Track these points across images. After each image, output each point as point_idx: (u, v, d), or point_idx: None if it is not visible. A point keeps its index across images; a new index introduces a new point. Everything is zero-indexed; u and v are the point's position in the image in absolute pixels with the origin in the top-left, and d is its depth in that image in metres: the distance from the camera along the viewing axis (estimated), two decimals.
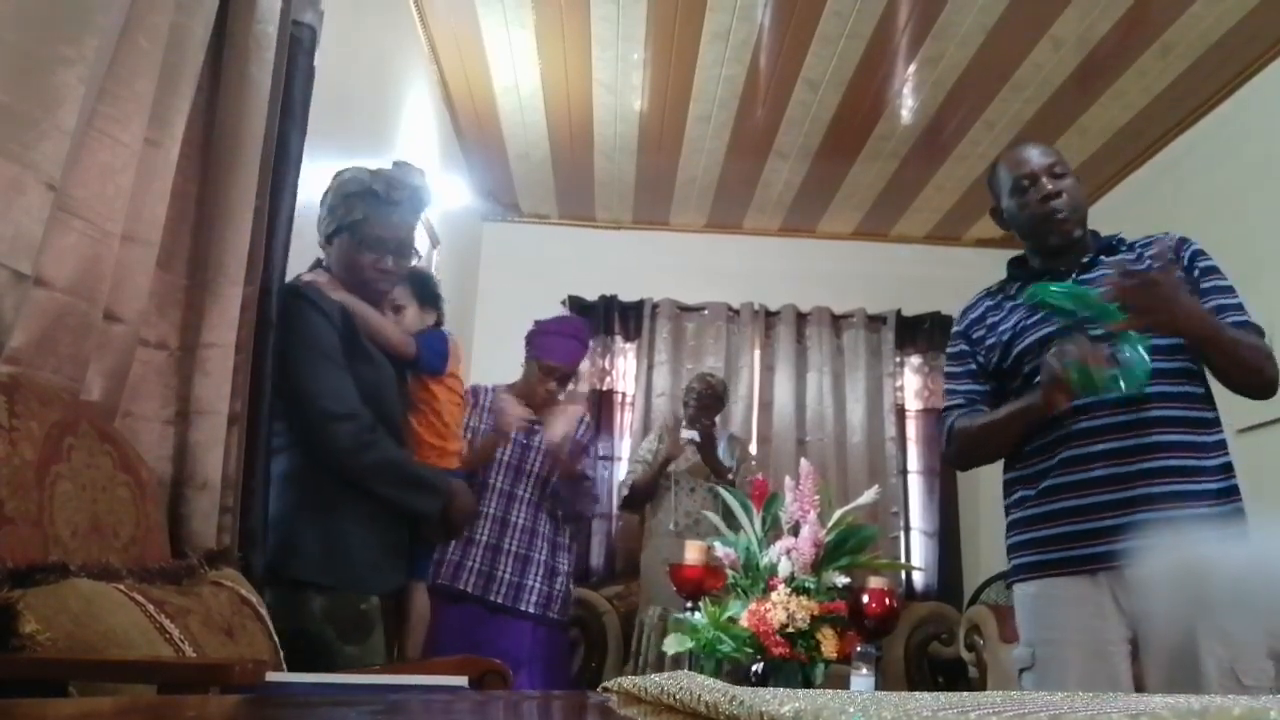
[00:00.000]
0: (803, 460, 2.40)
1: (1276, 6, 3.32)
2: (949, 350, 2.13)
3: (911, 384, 5.39)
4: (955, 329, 2.14)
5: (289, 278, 2.15)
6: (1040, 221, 1.97)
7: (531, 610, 3.06)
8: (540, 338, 3.26)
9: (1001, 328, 2.01)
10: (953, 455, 2.08)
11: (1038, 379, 1.85)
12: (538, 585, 3.09)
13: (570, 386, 3.43)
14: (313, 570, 1.90)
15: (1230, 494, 1.81)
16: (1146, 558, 1.64)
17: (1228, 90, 3.83)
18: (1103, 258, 1.97)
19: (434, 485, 2.11)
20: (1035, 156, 2.01)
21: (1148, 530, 1.68)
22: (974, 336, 2.07)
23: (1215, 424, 1.86)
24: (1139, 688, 1.77)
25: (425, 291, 2.40)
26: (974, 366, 2.05)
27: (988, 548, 5.11)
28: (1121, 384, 1.68)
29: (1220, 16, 3.40)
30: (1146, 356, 1.70)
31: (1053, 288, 1.80)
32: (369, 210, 2.04)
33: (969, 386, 2.05)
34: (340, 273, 2.08)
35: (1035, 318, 1.94)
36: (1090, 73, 3.79)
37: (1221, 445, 1.84)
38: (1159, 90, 3.89)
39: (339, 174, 2.13)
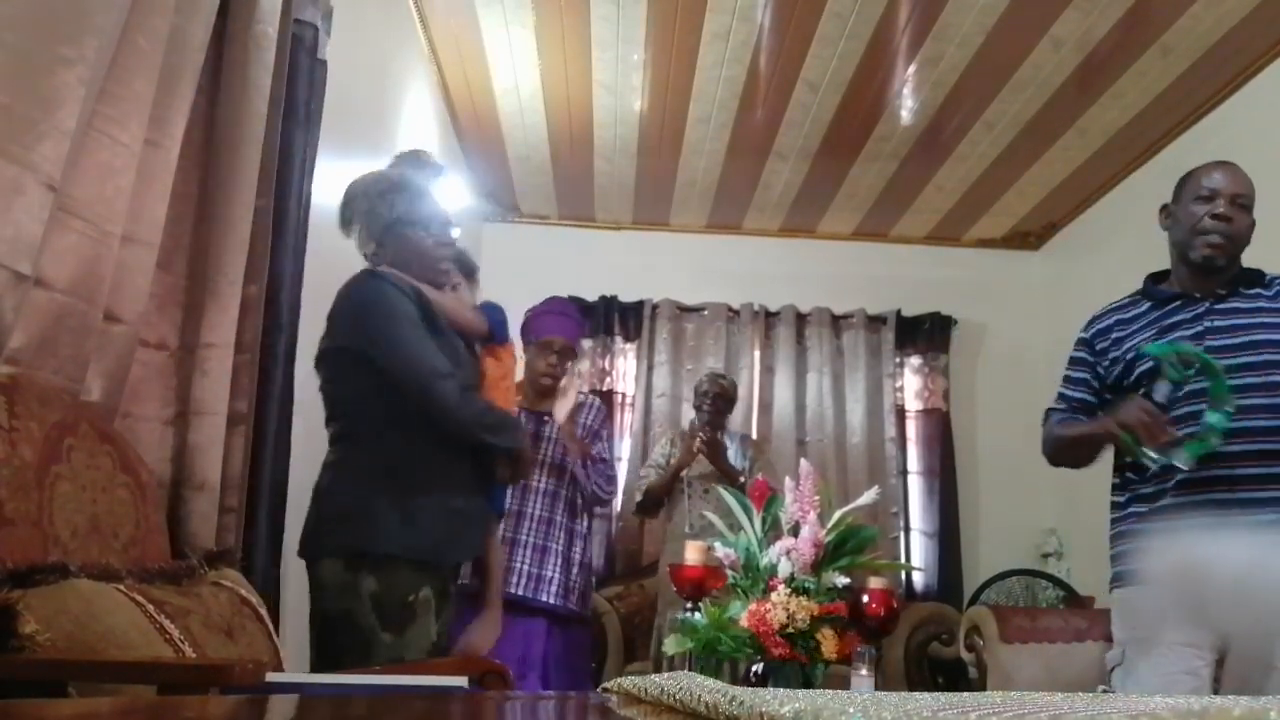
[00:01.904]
0: (802, 461, 2.39)
1: (1276, 8, 3.32)
2: (1072, 354, 2.21)
3: (911, 384, 5.38)
4: (1081, 335, 2.20)
5: (308, 276, 2.18)
6: (1196, 234, 2.03)
7: (551, 600, 3.03)
8: (533, 321, 3.29)
9: (1126, 345, 2.07)
10: (1046, 455, 2.21)
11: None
12: (556, 575, 3.07)
13: (571, 364, 3.33)
14: (398, 546, 1.92)
15: None
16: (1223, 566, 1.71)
17: (1227, 91, 3.83)
18: (1241, 289, 2.02)
19: (515, 424, 2.25)
20: (1230, 181, 2.07)
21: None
22: (1098, 347, 2.13)
23: None
24: (1218, 692, 1.85)
25: (467, 266, 2.47)
26: (1089, 376, 2.14)
27: (987, 548, 5.11)
28: (1176, 460, 1.83)
29: (1220, 18, 3.40)
30: (1220, 433, 1.80)
31: (1156, 347, 1.92)
32: (408, 199, 2.09)
33: (1078, 394, 2.14)
34: (405, 266, 2.10)
35: (1163, 340, 2.00)
36: (1090, 73, 3.79)
37: None
38: (1159, 91, 3.89)
39: (352, 185, 2.14)
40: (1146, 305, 2.11)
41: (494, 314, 2.39)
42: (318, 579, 1.93)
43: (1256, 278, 2.04)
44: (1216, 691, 1.84)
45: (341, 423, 2.05)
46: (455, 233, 2.20)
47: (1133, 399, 1.92)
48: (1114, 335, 2.11)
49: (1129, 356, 2.05)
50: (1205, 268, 2.02)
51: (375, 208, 2.09)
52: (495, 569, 2.44)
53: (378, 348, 1.97)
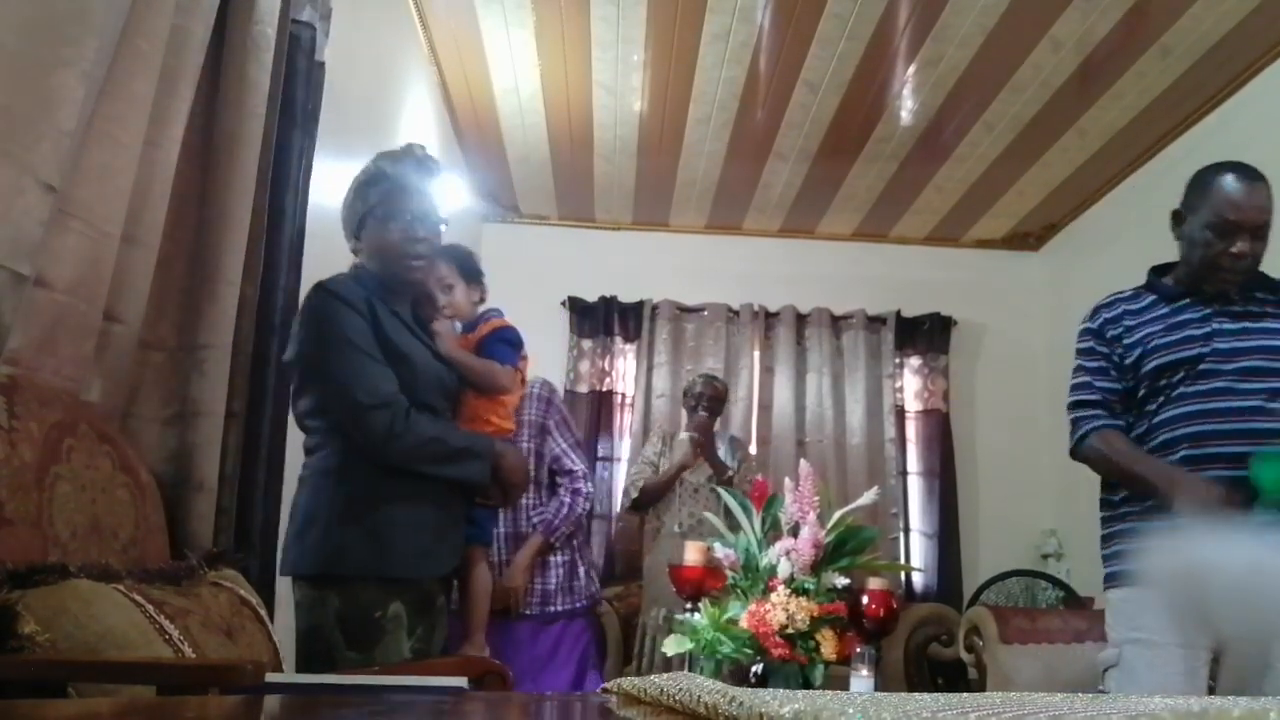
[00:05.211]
0: (802, 461, 2.39)
1: (1275, 9, 3.32)
2: (1080, 346, 2.16)
3: (911, 385, 5.38)
4: (1087, 325, 2.16)
5: (307, 278, 2.15)
6: (1213, 268, 2.01)
7: (530, 611, 2.98)
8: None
9: (1138, 334, 2.07)
10: (1081, 460, 2.14)
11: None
12: (533, 585, 3.00)
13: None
14: (361, 565, 1.87)
15: None
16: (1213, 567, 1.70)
17: (1227, 92, 3.83)
18: (1257, 294, 2.03)
19: (478, 451, 2.05)
20: (1254, 210, 1.99)
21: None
22: (1109, 335, 2.10)
23: None
24: (1214, 691, 1.86)
25: (468, 267, 2.41)
26: (1107, 364, 2.10)
27: (987, 549, 5.11)
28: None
29: (1220, 18, 3.40)
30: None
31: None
32: (384, 190, 2.03)
33: (1104, 384, 2.09)
34: (376, 263, 2.03)
35: (1170, 338, 2.01)
36: (1090, 74, 3.79)
37: None
38: (1158, 92, 3.89)
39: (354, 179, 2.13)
40: (1151, 298, 2.10)
41: (503, 351, 2.26)
42: (294, 595, 1.91)
43: (1270, 284, 2.05)
44: (1213, 691, 1.85)
45: (309, 435, 2.00)
46: (441, 229, 2.09)
47: (1211, 488, 1.87)
48: (1125, 323, 2.10)
49: (1136, 352, 2.05)
50: (1218, 296, 2.04)
51: (353, 202, 2.05)
52: (478, 598, 2.37)
53: (313, 372, 1.93)
